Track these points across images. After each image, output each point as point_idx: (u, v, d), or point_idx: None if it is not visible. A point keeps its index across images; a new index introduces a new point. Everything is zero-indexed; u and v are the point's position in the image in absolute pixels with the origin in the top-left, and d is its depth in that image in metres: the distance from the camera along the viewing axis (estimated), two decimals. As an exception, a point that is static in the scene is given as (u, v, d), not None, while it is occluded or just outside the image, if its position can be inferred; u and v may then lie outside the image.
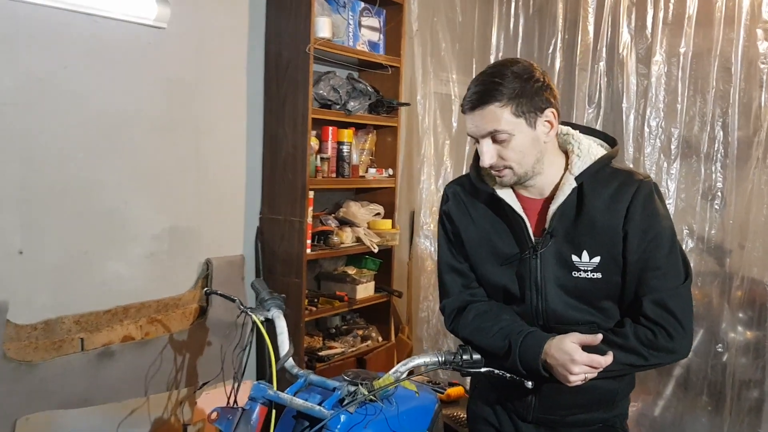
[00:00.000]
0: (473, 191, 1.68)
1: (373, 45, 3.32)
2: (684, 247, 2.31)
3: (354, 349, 3.26)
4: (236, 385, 1.85)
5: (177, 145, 2.71)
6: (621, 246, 1.52)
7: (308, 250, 2.94)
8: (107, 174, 2.48)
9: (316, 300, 3.11)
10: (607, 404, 1.66)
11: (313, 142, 3.03)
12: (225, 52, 2.88)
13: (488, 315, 1.63)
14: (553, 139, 1.57)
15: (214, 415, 1.60)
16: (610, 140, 1.67)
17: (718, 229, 2.88)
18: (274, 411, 1.59)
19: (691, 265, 1.58)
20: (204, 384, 1.96)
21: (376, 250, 3.24)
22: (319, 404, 1.52)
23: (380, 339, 3.43)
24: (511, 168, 1.53)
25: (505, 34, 3.45)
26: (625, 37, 3.01)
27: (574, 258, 1.55)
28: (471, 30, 3.67)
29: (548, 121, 1.52)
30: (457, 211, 1.70)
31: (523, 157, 1.52)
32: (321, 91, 3.03)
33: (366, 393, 1.52)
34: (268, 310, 1.84)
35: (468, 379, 2.37)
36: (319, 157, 3.06)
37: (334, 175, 3.16)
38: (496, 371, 1.57)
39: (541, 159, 1.55)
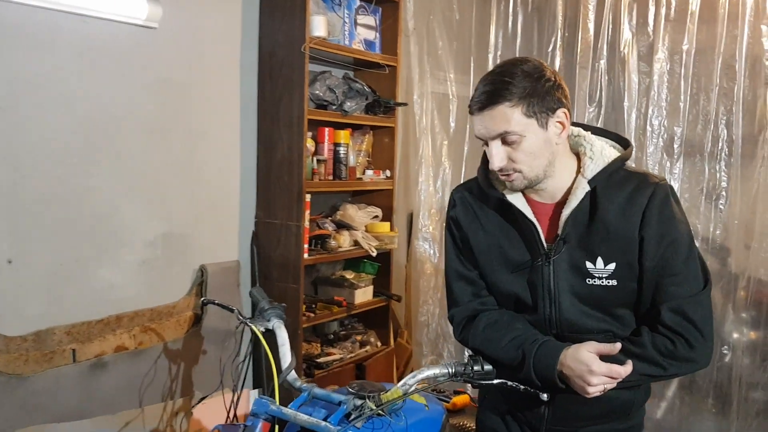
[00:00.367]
0: (482, 196, 1.62)
1: (369, 44, 3.26)
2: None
3: (353, 355, 3.20)
4: (236, 397, 1.80)
5: (169, 148, 2.65)
6: (637, 252, 1.46)
7: (306, 255, 2.89)
8: (98, 179, 2.42)
9: (314, 306, 3.05)
10: (623, 415, 1.60)
11: (309, 144, 2.97)
12: (218, 51, 2.82)
13: (499, 324, 1.57)
14: (565, 140, 1.51)
15: (215, 433, 1.54)
16: (623, 141, 1.61)
17: (723, 229, 2.84)
18: (277, 427, 1.53)
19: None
20: (203, 398, 1.89)
21: (374, 254, 3.18)
22: (325, 419, 1.46)
23: (379, 344, 3.37)
24: (521, 171, 1.46)
25: (504, 32, 3.39)
26: (627, 34, 2.97)
27: (588, 265, 1.49)
28: (468, 28, 3.62)
29: (560, 122, 1.46)
30: (465, 217, 1.64)
31: (534, 160, 1.45)
32: (317, 92, 2.96)
33: (374, 407, 1.46)
34: (269, 321, 1.78)
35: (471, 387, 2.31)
36: (315, 159, 3.00)
37: (330, 177, 3.10)
38: (509, 383, 1.50)
39: (552, 162, 1.48)
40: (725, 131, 2.77)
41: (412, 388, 1.54)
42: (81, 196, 2.37)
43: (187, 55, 2.68)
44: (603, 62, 3.06)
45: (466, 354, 3.62)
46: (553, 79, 1.45)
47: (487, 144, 1.48)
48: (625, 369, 1.36)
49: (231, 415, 1.84)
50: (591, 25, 3.08)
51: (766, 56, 2.65)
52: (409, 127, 3.62)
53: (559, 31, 3.19)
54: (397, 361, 3.51)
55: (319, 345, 3.15)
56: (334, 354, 3.12)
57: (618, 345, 1.38)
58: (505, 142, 1.44)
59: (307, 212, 2.88)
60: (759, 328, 2.76)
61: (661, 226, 1.45)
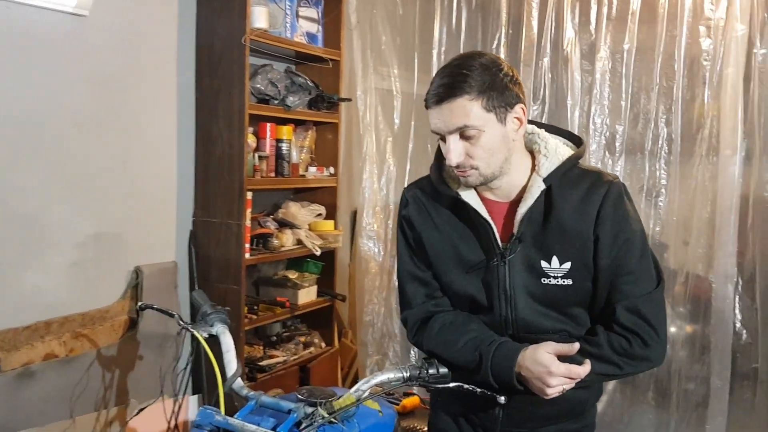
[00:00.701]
0: (435, 194, 1.57)
1: (311, 37, 3.18)
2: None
3: (296, 356, 3.12)
4: (177, 406, 1.70)
5: (101, 143, 2.51)
6: (592, 251, 1.45)
7: (247, 255, 2.79)
8: (24, 176, 2.27)
9: (255, 307, 2.95)
10: (577, 414, 1.59)
11: (251, 140, 2.87)
12: (153, 42, 2.69)
13: (455, 326, 1.53)
14: (521, 137, 1.49)
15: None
16: (576, 139, 1.60)
17: (661, 225, 2.90)
18: (223, 439, 1.44)
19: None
20: (142, 409, 1.78)
21: (318, 253, 3.11)
22: (274, 429, 1.40)
23: (323, 345, 3.30)
24: (477, 168, 1.43)
25: (448, 28, 3.37)
26: (570, 32, 2.99)
27: (544, 264, 1.47)
28: (412, 23, 3.58)
29: (517, 118, 1.43)
30: (418, 216, 1.59)
31: (491, 156, 1.42)
32: (258, 85, 2.87)
33: (326, 414, 1.39)
34: (212, 326, 1.69)
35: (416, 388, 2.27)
36: (256, 155, 2.90)
37: (273, 174, 3.00)
38: (466, 386, 1.46)
39: (509, 158, 1.45)
40: (665, 129, 2.83)
41: (366, 394, 1.48)
42: (5, 196, 2.22)
43: (121, 46, 2.54)
44: (546, 60, 3.07)
45: (412, 354, 3.57)
46: (510, 73, 1.42)
47: (443, 139, 1.43)
48: (584, 369, 1.35)
49: (172, 425, 1.74)
50: (534, 23, 3.09)
51: (704, 56, 2.71)
52: (352, 123, 3.56)
53: (503, 28, 3.19)
54: (341, 362, 3.44)
55: (261, 348, 3.06)
56: (278, 356, 3.03)
57: (576, 345, 1.37)
58: (463, 136, 1.40)
59: (249, 210, 2.78)
60: (697, 322, 2.83)
61: (616, 225, 1.44)
